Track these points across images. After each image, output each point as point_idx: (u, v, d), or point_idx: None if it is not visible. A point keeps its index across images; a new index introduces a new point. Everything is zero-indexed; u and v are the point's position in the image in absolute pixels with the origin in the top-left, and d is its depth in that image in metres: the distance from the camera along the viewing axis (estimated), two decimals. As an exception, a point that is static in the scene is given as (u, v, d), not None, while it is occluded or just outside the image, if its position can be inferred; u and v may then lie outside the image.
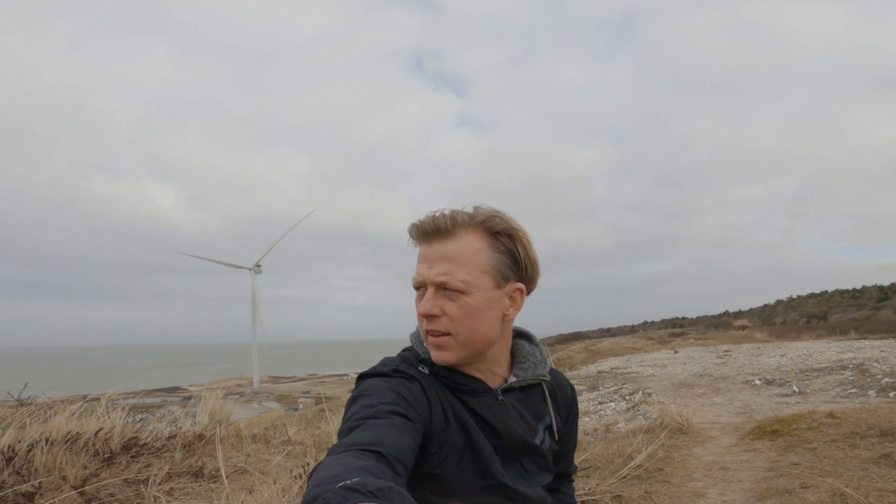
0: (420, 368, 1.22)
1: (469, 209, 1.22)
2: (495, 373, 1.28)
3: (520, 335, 1.35)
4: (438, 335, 1.18)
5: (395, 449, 0.95)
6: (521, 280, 1.24)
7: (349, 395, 1.20)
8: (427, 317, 1.17)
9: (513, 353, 1.33)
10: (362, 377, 1.20)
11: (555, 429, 1.35)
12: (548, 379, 1.35)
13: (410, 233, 1.21)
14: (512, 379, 1.29)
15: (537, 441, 1.29)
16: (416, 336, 1.30)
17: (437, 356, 1.19)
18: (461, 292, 1.16)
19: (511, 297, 1.23)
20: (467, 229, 1.18)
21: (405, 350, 1.30)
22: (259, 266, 74.24)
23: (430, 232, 1.18)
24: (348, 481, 0.75)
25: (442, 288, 1.16)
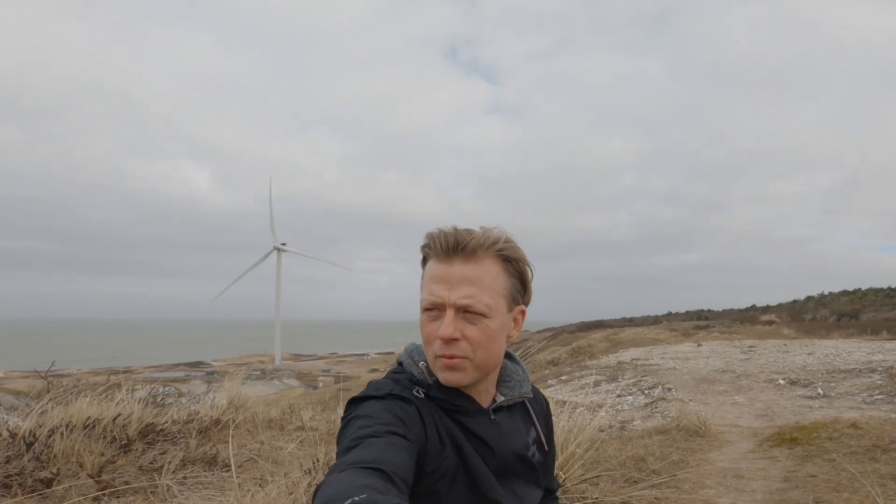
0: (415, 392, 1.22)
1: (477, 229, 1.21)
2: (489, 391, 1.30)
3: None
4: (454, 357, 1.16)
5: (396, 466, 0.95)
6: (523, 303, 1.26)
7: (343, 414, 1.20)
8: (447, 341, 1.15)
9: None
10: (355, 400, 1.20)
11: (542, 440, 1.40)
12: (531, 396, 1.40)
13: (431, 247, 1.19)
14: (500, 398, 1.31)
15: (529, 455, 1.32)
16: (408, 357, 1.29)
17: (449, 377, 1.18)
18: (483, 315, 1.16)
19: (515, 320, 1.25)
20: (487, 252, 1.18)
21: (395, 373, 1.29)
22: (284, 245, 75.28)
23: (454, 250, 1.16)
24: (357, 498, 0.76)
25: (462, 311, 1.15)
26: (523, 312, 1.27)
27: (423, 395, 1.21)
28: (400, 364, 1.31)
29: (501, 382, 1.34)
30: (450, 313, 1.15)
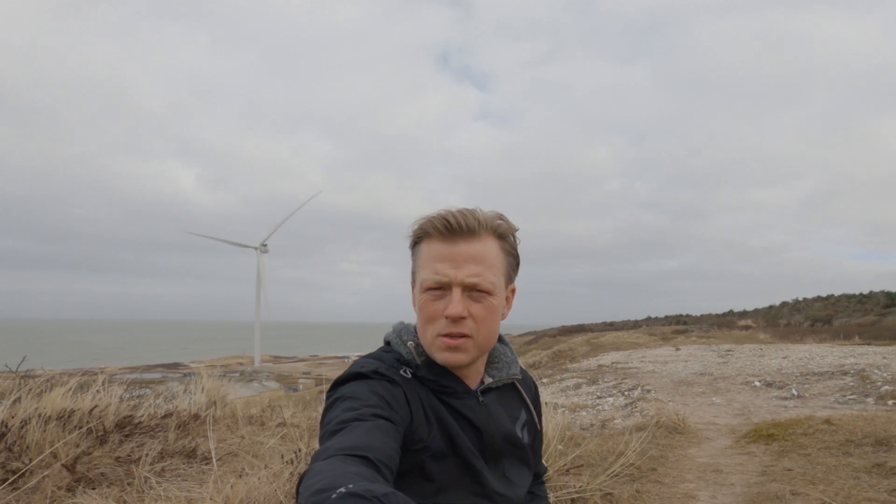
0: (402, 372, 1.20)
1: (476, 209, 1.21)
2: (478, 373, 1.30)
3: None
4: (458, 337, 1.16)
5: (381, 453, 0.94)
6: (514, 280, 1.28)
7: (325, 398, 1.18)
8: (456, 319, 1.15)
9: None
10: (340, 382, 1.18)
11: (535, 421, 1.41)
12: (520, 378, 1.39)
13: (431, 227, 1.18)
14: (488, 379, 1.31)
15: (520, 436, 1.32)
16: (396, 336, 1.28)
17: (452, 358, 1.18)
18: (488, 293, 1.17)
19: (507, 298, 1.26)
20: (488, 231, 1.19)
21: (384, 351, 1.28)
22: (265, 245, 74.46)
23: (458, 230, 1.16)
24: (350, 486, 0.74)
25: (469, 289, 1.16)
26: (514, 291, 1.28)
27: (410, 376, 1.20)
28: (388, 343, 1.30)
29: (490, 364, 1.33)
30: (457, 292, 1.15)
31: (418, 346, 1.24)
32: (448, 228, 1.16)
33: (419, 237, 1.22)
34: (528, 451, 1.33)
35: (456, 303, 1.14)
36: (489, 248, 1.18)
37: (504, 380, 1.33)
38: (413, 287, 1.27)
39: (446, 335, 1.16)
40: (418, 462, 1.13)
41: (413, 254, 1.25)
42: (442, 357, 1.18)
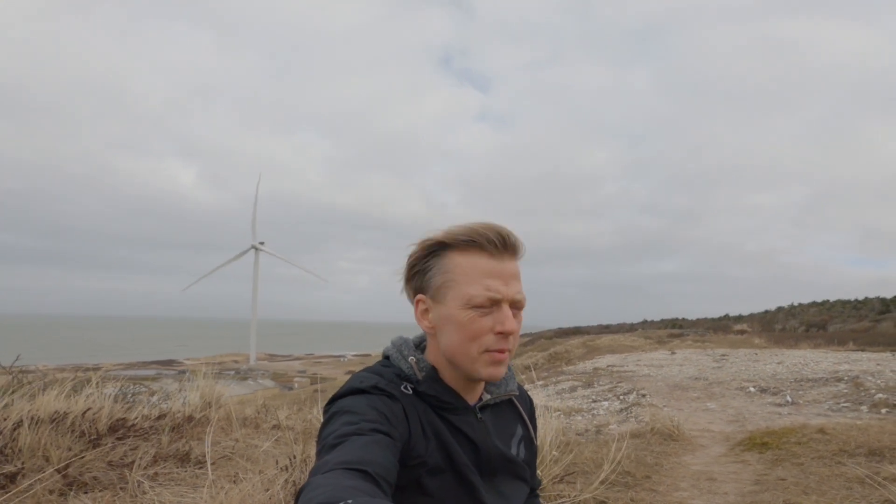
0: (402, 388, 1.20)
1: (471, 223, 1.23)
2: (478, 389, 1.30)
3: None
4: (505, 351, 1.19)
5: (381, 467, 0.94)
6: None
7: (324, 412, 1.17)
8: (507, 335, 1.18)
9: None
10: (338, 396, 1.17)
11: (532, 436, 1.41)
12: (517, 394, 1.40)
13: (482, 241, 1.16)
14: (486, 396, 1.31)
15: (516, 453, 1.33)
16: (396, 351, 1.27)
17: (498, 371, 1.20)
18: (521, 310, 1.22)
19: None
20: (522, 250, 1.23)
21: (383, 366, 1.27)
22: (262, 243, 74.47)
23: (511, 247, 1.19)
24: (350, 501, 0.75)
25: (512, 306, 1.19)
26: None
27: (410, 392, 1.20)
28: (387, 357, 1.29)
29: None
30: (506, 308, 1.18)
31: (419, 361, 1.24)
32: (503, 244, 1.18)
33: (464, 244, 1.17)
34: (523, 467, 1.34)
35: (511, 319, 1.17)
36: (518, 266, 1.23)
37: (502, 396, 1.34)
38: (436, 300, 1.21)
39: (496, 350, 1.18)
40: (416, 477, 1.14)
41: (438, 261, 1.20)
42: (488, 372, 1.20)
